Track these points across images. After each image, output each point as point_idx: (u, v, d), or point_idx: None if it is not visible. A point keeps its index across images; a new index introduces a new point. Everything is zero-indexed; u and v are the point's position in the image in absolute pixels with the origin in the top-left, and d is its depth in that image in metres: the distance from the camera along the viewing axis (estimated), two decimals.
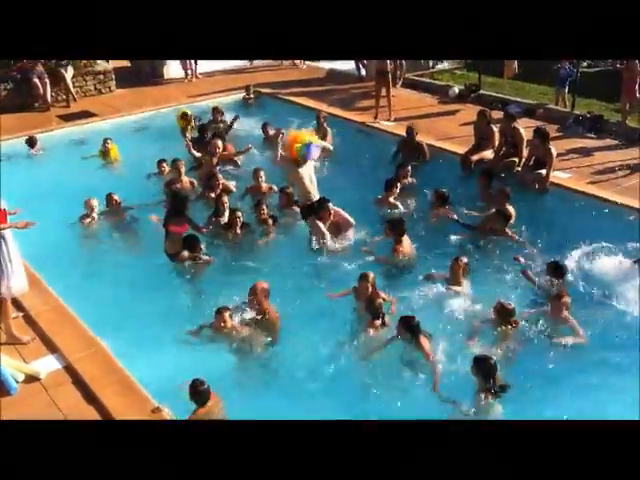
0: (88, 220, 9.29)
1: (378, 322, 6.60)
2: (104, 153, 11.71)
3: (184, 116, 13.18)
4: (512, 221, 8.48)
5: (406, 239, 8.07)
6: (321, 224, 8.44)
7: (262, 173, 9.95)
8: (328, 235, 8.46)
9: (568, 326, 6.55)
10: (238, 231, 8.63)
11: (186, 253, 8.11)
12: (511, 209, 8.59)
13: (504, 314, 6.51)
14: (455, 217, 8.83)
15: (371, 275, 7.07)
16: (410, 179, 10.03)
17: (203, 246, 8.28)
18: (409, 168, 10.07)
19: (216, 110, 13.00)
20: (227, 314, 6.63)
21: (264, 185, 9.95)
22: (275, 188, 9.88)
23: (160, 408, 5.53)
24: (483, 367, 5.57)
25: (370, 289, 6.97)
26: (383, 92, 13.20)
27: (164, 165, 10.75)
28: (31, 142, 12.22)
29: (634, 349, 6.35)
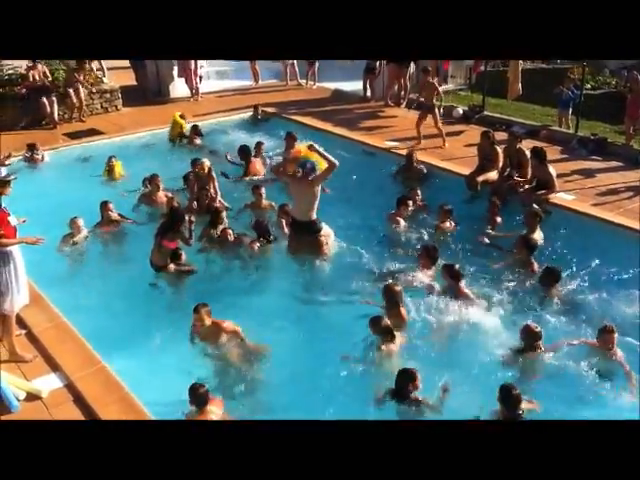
0: (70, 240, 9.11)
1: (388, 344, 6.51)
2: (109, 170, 11.78)
3: (181, 117, 13.73)
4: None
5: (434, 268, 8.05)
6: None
7: (262, 190, 10.03)
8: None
9: (615, 360, 6.34)
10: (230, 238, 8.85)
11: (172, 265, 8.23)
12: (539, 233, 8.63)
13: (531, 337, 6.40)
14: (487, 241, 8.84)
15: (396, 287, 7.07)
16: (421, 202, 10.04)
17: (185, 258, 8.36)
18: (419, 191, 10.09)
19: (194, 129, 13.65)
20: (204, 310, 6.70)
21: (264, 202, 10.02)
22: (275, 205, 9.94)
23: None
24: (508, 397, 5.46)
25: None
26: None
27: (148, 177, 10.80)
28: (32, 147, 12.39)
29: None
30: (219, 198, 10.25)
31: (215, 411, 5.65)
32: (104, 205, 9.57)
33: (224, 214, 9.37)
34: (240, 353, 6.84)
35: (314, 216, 8.50)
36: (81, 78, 15.17)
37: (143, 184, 10.90)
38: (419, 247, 8.45)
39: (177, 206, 9.22)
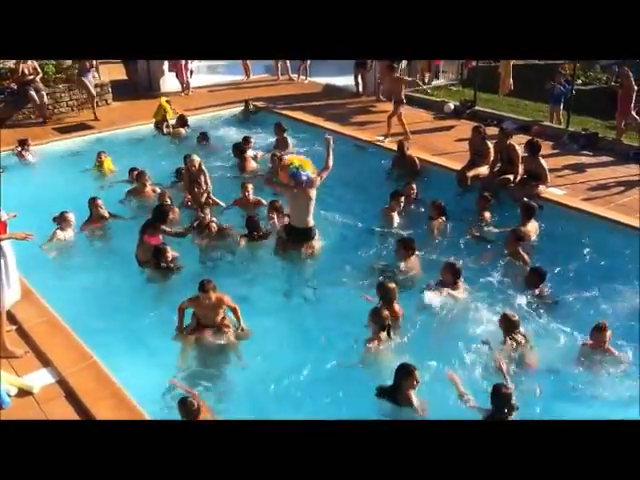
0: (62, 235, 9.06)
1: (383, 334, 6.49)
2: (98, 166, 11.75)
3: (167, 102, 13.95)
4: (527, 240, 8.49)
5: (414, 259, 8.09)
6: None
7: (250, 187, 10.07)
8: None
9: (611, 357, 6.33)
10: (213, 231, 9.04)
11: (153, 261, 8.24)
12: (534, 225, 8.76)
13: (509, 326, 6.43)
14: (476, 233, 8.95)
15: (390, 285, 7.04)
16: (415, 196, 10.04)
17: (171, 254, 8.28)
18: (414, 185, 10.09)
19: (180, 119, 14.00)
20: (211, 286, 6.79)
21: (252, 198, 10.05)
22: (263, 201, 9.99)
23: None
24: (499, 396, 5.41)
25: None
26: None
27: (135, 174, 10.86)
28: (23, 143, 12.25)
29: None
30: (211, 194, 10.29)
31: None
32: (93, 201, 9.54)
33: (207, 210, 9.38)
34: (232, 341, 6.86)
35: (312, 222, 8.53)
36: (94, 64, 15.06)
37: (129, 175, 11.00)
38: (395, 241, 8.44)
39: (164, 204, 9.18)
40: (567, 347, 6.66)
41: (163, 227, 8.37)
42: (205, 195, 10.14)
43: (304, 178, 8.29)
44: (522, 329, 6.54)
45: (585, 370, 6.29)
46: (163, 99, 14.16)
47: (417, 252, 8.14)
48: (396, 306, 6.94)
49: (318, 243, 8.72)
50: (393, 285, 7.07)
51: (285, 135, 12.51)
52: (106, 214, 9.62)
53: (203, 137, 13.05)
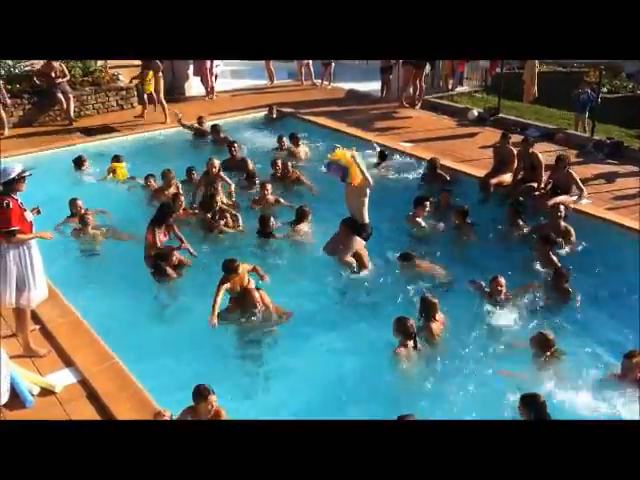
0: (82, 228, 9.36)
1: (410, 343, 6.41)
2: (111, 172, 11.76)
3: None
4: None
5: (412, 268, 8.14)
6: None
7: (269, 186, 10.20)
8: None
9: None
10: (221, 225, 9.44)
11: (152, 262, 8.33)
12: (567, 226, 8.79)
13: (543, 344, 6.30)
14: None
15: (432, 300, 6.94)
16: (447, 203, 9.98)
17: (177, 258, 8.38)
18: (448, 194, 10.04)
19: (198, 120, 14.03)
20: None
21: (270, 197, 10.12)
22: (282, 201, 10.06)
23: (162, 412, 5.47)
24: (534, 406, 5.17)
25: None
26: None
27: (151, 180, 11.02)
28: (79, 162, 12.01)
29: None
30: (232, 195, 10.45)
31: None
32: (73, 202, 9.68)
33: (218, 198, 9.63)
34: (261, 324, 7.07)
35: (362, 220, 8.30)
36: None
37: (145, 181, 11.11)
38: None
39: (166, 204, 9.11)
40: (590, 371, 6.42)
41: (157, 230, 8.34)
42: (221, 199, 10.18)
43: (333, 167, 8.00)
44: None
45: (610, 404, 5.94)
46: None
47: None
48: (434, 325, 6.80)
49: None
50: (435, 300, 6.91)
51: (299, 144, 12.61)
52: (87, 213, 9.65)
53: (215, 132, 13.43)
